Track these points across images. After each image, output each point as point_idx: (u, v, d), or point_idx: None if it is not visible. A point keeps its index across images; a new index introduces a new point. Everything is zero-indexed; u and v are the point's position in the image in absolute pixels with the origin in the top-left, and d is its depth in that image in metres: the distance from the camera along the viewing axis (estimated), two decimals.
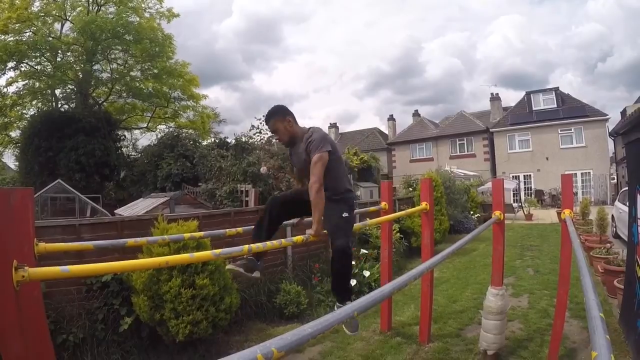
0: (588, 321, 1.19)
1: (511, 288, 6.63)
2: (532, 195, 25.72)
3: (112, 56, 25.17)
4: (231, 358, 0.92)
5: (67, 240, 4.19)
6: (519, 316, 5.37)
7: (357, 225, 3.34)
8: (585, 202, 12.16)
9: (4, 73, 23.02)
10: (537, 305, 5.75)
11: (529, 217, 17.80)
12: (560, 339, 3.88)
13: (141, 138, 29.16)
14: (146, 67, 25.65)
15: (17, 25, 21.75)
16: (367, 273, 6.66)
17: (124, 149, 26.17)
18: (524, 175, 27.66)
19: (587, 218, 11.12)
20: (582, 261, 1.89)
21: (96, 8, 24.08)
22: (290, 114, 2.97)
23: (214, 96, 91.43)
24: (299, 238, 2.63)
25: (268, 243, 2.47)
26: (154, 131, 27.57)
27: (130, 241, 2.47)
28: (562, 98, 27.64)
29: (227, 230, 3.08)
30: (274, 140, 12.66)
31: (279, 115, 2.93)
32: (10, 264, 1.55)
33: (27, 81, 23.67)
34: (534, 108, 28.20)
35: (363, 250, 7.56)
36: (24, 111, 24.76)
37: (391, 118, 37.57)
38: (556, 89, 28.24)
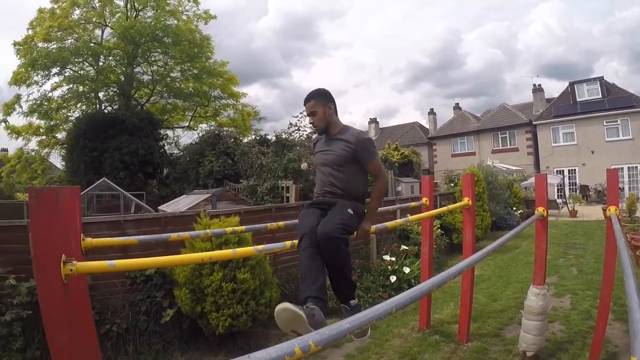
0: (630, 325, 1.13)
1: (553, 288, 6.40)
2: (577, 191, 24.63)
3: (152, 59, 25.97)
4: (269, 351, 0.93)
5: (112, 236, 4.36)
6: (560, 317, 5.17)
7: (398, 220, 3.32)
8: (632, 198, 11.52)
9: (49, 79, 24.20)
10: (580, 307, 5.52)
11: (573, 213, 17.10)
12: (601, 343, 3.71)
13: (183, 136, 29.96)
14: (186, 67, 26.32)
15: (59, 33, 22.81)
16: (407, 269, 6.59)
17: (166, 148, 26.95)
18: (569, 170, 26.56)
19: (634, 215, 10.55)
20: (626, 261, 1.80)
21: (134, 13, 24.91)
22: (334, 101, 2.78)
23: (254, 94, 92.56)
24: None
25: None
26: (196, 130, 28.25)
27: (174, 236, 2.53)
28: (607, 88, 26.28)
29: (268, 224, 3.10)
30: (313, 136, 12.67)
31: (321, 98, 2.72)
32: (59, 258, 1.62)
33: (71, 85, 24.73)
34: (578, 99, 26.97)
35: (403, 247, 7.49)
36: (69, 114, 25.90)
37: (432, 112, 36.93)
38: (601, 79, 26.86)
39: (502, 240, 2.88)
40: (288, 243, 2.20)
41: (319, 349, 1.01)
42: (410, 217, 3.87)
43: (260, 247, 2.05)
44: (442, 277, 1.65)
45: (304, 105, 2.77)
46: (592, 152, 25.40)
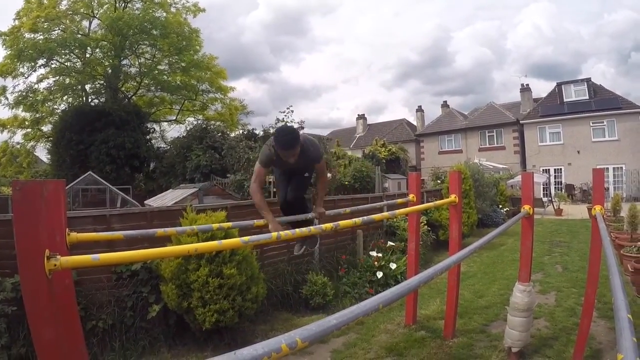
0: (615, 322, 1.15)
1: (538, 285, 6.49)
2: (563, 190, 24.98)
3: (140, 51, 25.67)
4: (256, 347, 0.93)
5: (98, 230, 4.30)
6: (545, 314, 5.25)
7: (385, 213, 3.44)
8: (616, 198, 11.72)
9: (35, 70, 23.78)
10: (565, 304, 5.60)
11: (558, 212, 17.34)
12: (586, 339, 3.77)
13: (170, 130, 29.63)
14: (174, 60, 26.06)
15: (46, 24, 22.41)
16: (393, 266, 6.64)
17: (153, 142, 26.68)
18: (555, 169, 26.91)
19: (619, 215, 10.73)
20: (611, 259, 1.83)
21: (123, 5, 24.55)
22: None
23: (242, 88, 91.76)
24: (328, 225, 2.62)
25: (297, 230, 2.48)
26: (183, 123, 28.00)
27: (160, 231, 2.51)
28: (594, 89, 26.65)
29: (255, 220, 3.11)
30: (301, 132, 12.64)
31: (299, 141, 3.30)
32: (43, 253, 1.59)
33: (57, 77, 24.34)
34: (565, 99, 27.31)
35: (390, 243, 7.53)
36: (55, 106, 25.48)
37: (419, 109, 37.06)
38: (588, 80, 27.23)
39: (488, 237, 2.91)
40: (274, 234, 2.20)
41: (306, 345, 1.02)
42: (397, 211, 3.89)
43: (246, 238, 2.04)
44: (429, 273, 1.66)
45: (288, 150, 3.28)
46: (578, 152, 25.77)
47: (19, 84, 23.79)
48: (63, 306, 1.90)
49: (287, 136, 3.28)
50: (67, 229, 2.18)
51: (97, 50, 24.40)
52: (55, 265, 1.61)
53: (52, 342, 1.58)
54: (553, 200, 19.38)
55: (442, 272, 1.76)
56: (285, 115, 13.16)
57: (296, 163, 3.46)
